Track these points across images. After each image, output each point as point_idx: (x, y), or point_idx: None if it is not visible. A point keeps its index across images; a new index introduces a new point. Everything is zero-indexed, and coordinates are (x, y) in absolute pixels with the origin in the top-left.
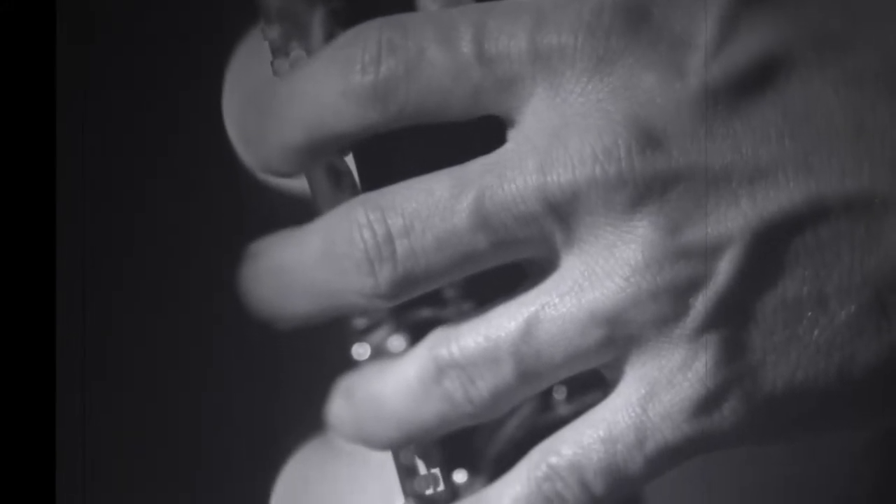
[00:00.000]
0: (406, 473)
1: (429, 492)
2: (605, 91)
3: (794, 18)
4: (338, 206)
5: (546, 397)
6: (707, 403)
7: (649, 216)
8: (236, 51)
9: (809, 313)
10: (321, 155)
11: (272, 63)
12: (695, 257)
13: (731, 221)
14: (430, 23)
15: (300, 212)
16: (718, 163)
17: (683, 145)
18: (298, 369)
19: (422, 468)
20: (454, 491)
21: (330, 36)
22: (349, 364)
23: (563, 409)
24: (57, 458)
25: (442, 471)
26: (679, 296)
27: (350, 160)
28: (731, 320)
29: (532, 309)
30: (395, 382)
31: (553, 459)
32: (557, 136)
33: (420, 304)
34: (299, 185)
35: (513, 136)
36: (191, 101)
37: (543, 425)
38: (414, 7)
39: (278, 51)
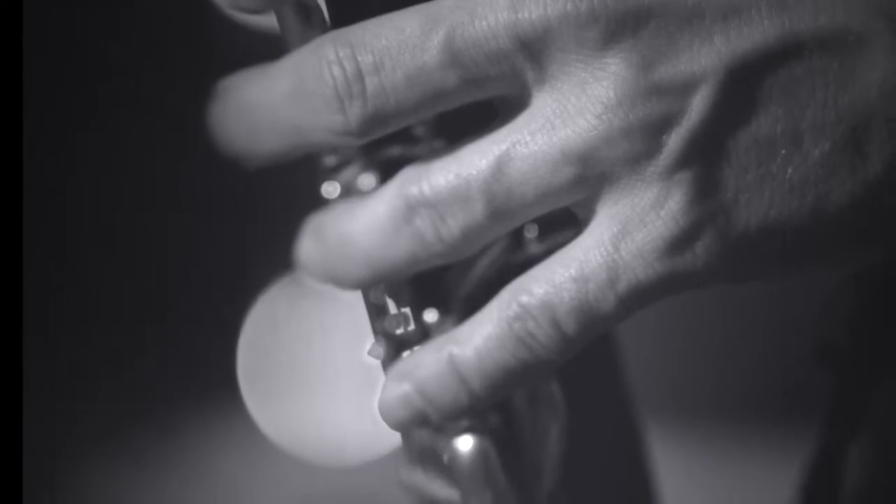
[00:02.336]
0: (376, 313)
1: (399, 331)
2: None
3: None
4: (307, 43)
5: (517, 236)
6: (679, 242)
7: (622, 53)
8: None
9: (783, 151)
10: None
11: None
12: (667, 94)
13: (704, 58)
14: None
15: (270, 50)
16: None
17: None
18: (267, 208)
19: (392, 307)
20: (424, 330)
21: None
22: (319, 202)
23: (534, 248)
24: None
25: (412, 310)
26: (651, 133)
27: None
28: (704, 158)
29: (503, 147)
30: (365, 221)
31: (524, 298)
32: None
33: (390, 142)
34: (269, 22)
35: None
36: None
37: (514, 264)
38: None
39: None
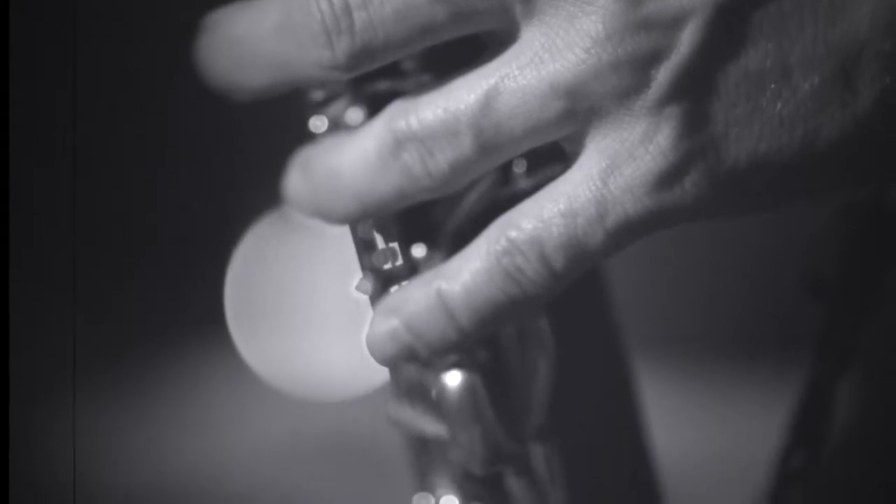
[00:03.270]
0: (364, 248)
1: (387, 266)
2: None
3: None
4: None
5: (506, 171)
6: (668, 176)
7: None
8: None
9: (773, 85)
10: None
11: None
12: (656, 28)
13: None
14: None
15: None
16: None
17: None
18: (255, 142)
19: (380, 242)
20: (413, 265)
21: None
22: (306, 137)
23: (522, 183)
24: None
25: (400, 245)
26: (640, 67)
27: None
28: (693, 92)
29: (492, 81)
30: (353, 155)
31: (513, 233)
32: None
33: (378, 76)
34: None
35: None
36: None
37: (503, 199)
38: None
39: None
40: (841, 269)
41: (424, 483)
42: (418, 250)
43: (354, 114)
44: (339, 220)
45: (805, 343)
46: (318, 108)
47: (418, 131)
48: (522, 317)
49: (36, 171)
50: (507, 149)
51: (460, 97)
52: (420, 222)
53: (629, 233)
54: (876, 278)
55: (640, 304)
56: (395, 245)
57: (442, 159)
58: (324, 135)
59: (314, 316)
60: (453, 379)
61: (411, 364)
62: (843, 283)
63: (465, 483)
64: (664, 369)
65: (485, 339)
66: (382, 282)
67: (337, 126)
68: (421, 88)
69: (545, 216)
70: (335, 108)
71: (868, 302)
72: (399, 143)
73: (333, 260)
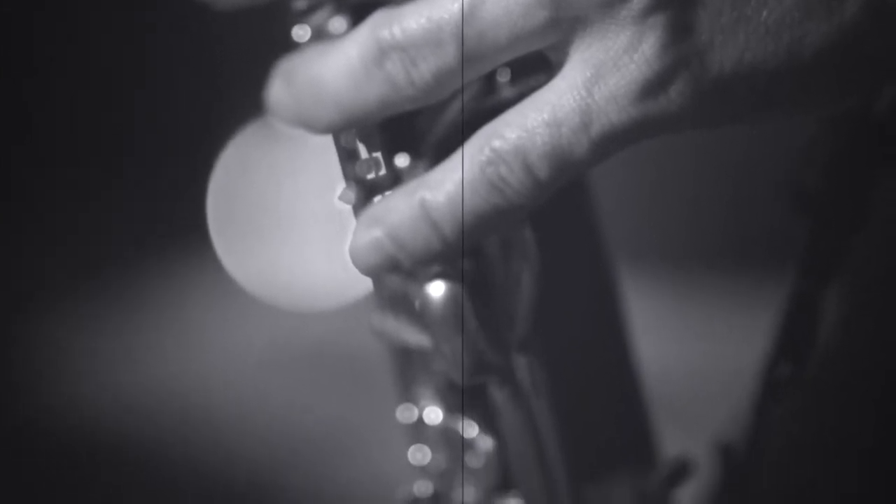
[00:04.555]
0: (347, 157)
1: (370, 176)
2: None
3: None
4: None
5: (490, 80)
6: (653, 85)
7: None
8: None
9: None
10: None
11: None
12: None
13: None
14: None
15: None
16: None
17: None
18: (237, 52)
19: (363, 152)
20: (396, 175)
21: None
22: (289, 46)
23: (506, 92)
24: None
25: (383, 154)
26: None
27: None
28: (678, 1)
29: None
30: (336, 65)
31: (496, 143)
32: None
33: None
34: None
35: None
36: None
37: (487, 109)
38: None
39: None
40: (827, 181)
41: (408, 394)
42: (401, 160)
43: (338, 23)
44: (322, 130)
45: (791, 255)
46: (302, 16)
47: (402, 40)
48: (506, 227)
49: (21, 83)
50: (490, 58)
51: (444, 6)
52: (403, 132)
53: (614, 142)
54: (862, 190)
55: (625, 215)
56: (378, 155)
57: (425, 69)
58: (307, 44)
59: (297, 226)
60: (437, 289)
61: (394, 274)
62: (829, 195)
63: (448, 394)
64: (649, 281)
65: (468, 249)
66: (365, 192)
67: (320, 35)
68: None
69: (529, 126)
70: (318, 17)
71: (854, 214)
72: (382, 52)
73: (316, 170)
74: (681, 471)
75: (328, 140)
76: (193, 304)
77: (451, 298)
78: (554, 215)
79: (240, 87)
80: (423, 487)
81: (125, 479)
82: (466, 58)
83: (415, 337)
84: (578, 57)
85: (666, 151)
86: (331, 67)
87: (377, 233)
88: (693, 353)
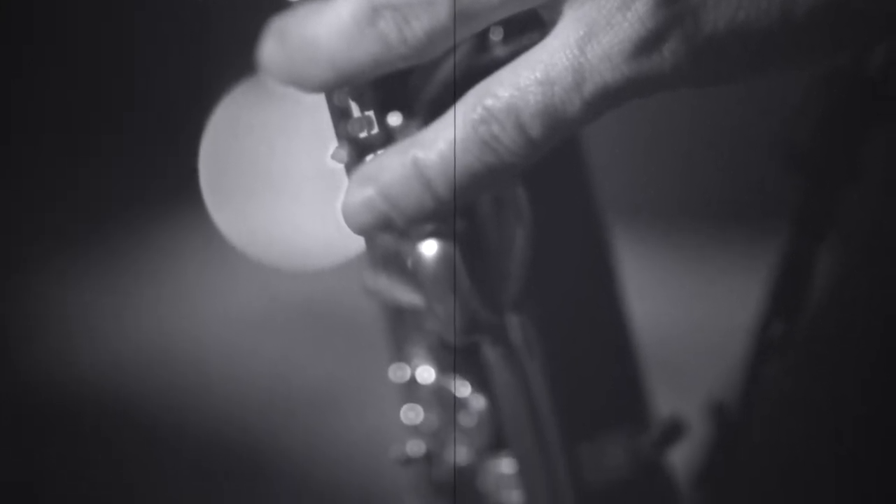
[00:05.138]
0: (339, 116)
1: (363, 135)
2: None
3: None
4: None
5: (483, 38)
6: (647, 44)
7: None
8: None
9: None
10: None
11: None
12: None
13: None
14: None
15: None
16: None
17: None
18: (229, 10)
19: (356, 111)
20: (388, 134)
21: None
22: (281, 5)
23: (499, 51)
24: None
25: (376, 113)
26: None
27: None
28: None
29: None
30: (329, 23)
31: (489, 101)
32: None
33: None
34: None
35: None
36: None
37: (480, 67)
38: None
39: None
40: (820, 139)
41: (400, 353)
42: (394, 119)
43: None
44: (315, 89)
45: (783, 213)
46: None
47: None
48: (499, 186)
49: (16, 41)
50: (483, 16)
51: None
52: (396, 90)
53: (606, 101)
54: (855, 148)
55: (617, 173)
56: (370, 113)
57: (418, 27)
58: (300, 3)
59: (289, 184)
60: (429, 248)
61: (387, 233)
62: (822, 153)
63: (440, 353)
64: (642, 239)
65: (461, 208)
66: (358, 150)
67: None
68: None
69: (522, 84)
70: None
71: (847, 172)
72: (375, 10)
73: (308, 128)
74: (674, 430)
75: (321, 99)
76: (186, 263)
77: (443, 257)
78: (547, 174)
79: (232, 45)
80: (415, 446)
81: (116, 436)
82: (459, 16)
83: (407, 296)
84: (571, 15)
85: (659, 110)
86: (324, 26)
87: (369, 191)
88: (686, 311)
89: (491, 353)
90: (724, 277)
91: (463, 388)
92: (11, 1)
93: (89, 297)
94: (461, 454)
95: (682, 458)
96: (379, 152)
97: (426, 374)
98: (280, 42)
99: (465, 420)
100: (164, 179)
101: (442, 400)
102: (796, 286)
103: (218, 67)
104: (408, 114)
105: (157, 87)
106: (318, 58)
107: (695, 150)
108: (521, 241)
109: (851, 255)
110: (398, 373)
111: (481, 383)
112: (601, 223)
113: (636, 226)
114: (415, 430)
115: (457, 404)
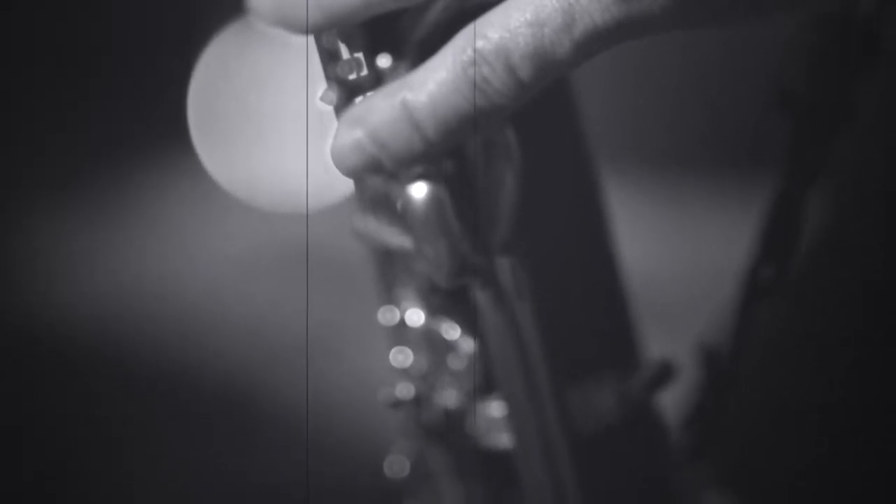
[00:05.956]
0: (328, 58)
1: (352, 76)
2: None
3: None
4: None
5: None
6: None
7: None
8: None
9: None
10: None
11: None
12: None
13: None
14: None
15: None
16: None
17: None
18: None
19: (345, 52)
20: (378, 76)
21: None
22: None
23: None
24: None
25: (365, 55)
26: None
27: None
28: None
29: None
30: None
31: (479, 43)
32: None
33: None
34: None
35: None
36: None
37: (470, 8)
38: None
39: None
40: (811, 82)
41: (389, 296)
42: (384, 60)
43: None
44: (304, 30)
45: (775, 156)
46: None
47: None
48: (489, 127)
49: None
50: None
51: None
52: (386, 32)
53: (597, 43)
54: (846, 92)
55: (608, 116)
56: (360, 55)
57: None
58: None
59: (278, 127)
60: (419, 190)
61: (376, 175)
62: (812, 96)
63: (430, 296)
64: (632, 182)
65: (450, 150)
66: (347, 92)
67: None
68: None
69: (512, 25)
70: None
71: (838, 115)
72: None
73: (297, 70)
74: (664, 374)
75: (309, 40)
76: (175, 206)
77: (433, 199)
78: (537, 116)
79: None
80: (404, 389)
81: (103, 378)
82: None
83: (397, 238)
84: None
85: (650, 52)
86: None
87: (359, 133)
88: (676, 255)
89: (480, 296)
90: (715, 220)
91: (452, 331)
92: None
93: (78, 238)
94: (450, 397)
95: (671, 400)
96: (368, 94)
97: (415, 316)
98: None
99: (455, 363)
100: (152, 122)
101: (431, 342)
102: (787, 229)
103: (207, 9)
104: (397, 56)
105: (145, 29)
106: None
107: (686, 93)
108: (510, 184)
109: (843, 199)
110: (387, 315)
111: (471, 326)
112: (591, 165)
113: (626, 168)
114: (404, 373)
115: (446, 347)
